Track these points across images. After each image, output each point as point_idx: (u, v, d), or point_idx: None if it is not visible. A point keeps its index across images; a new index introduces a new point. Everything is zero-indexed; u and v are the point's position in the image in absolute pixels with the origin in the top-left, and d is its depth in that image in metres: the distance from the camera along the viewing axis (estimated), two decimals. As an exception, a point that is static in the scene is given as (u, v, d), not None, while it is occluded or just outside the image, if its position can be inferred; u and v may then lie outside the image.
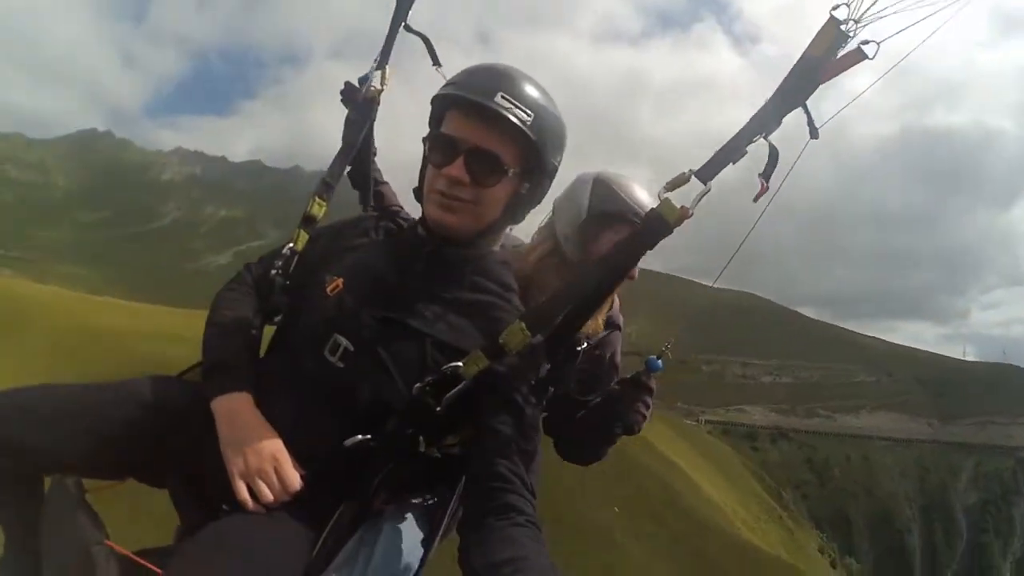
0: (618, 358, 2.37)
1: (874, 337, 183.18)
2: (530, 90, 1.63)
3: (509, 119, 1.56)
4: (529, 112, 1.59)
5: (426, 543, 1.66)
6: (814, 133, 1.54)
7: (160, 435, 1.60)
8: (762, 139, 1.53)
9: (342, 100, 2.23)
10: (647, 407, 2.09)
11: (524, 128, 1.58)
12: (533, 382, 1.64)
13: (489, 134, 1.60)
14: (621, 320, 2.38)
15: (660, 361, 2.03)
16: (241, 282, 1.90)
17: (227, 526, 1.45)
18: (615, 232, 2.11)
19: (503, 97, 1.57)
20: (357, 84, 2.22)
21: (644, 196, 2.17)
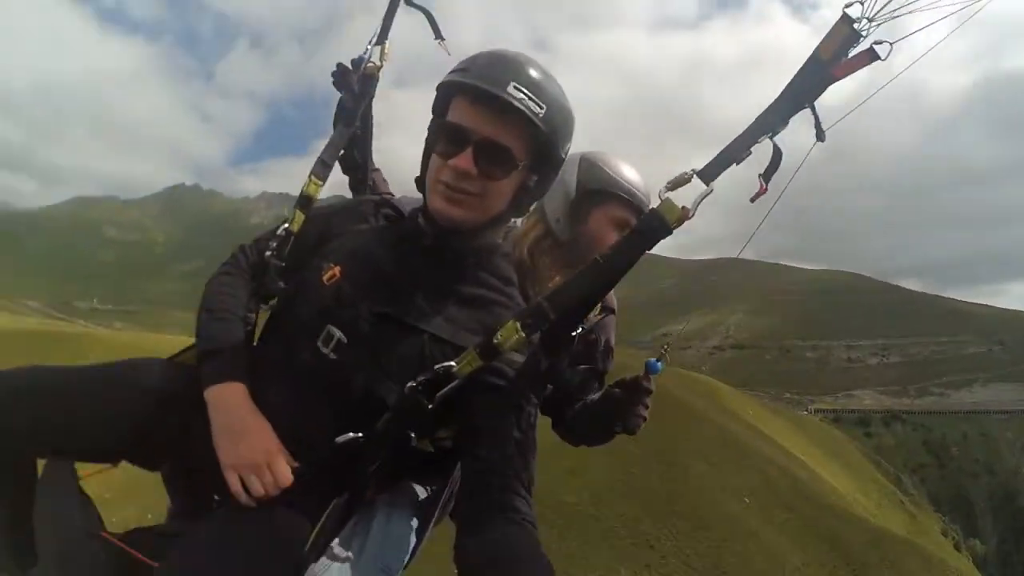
0: (612, 342, 2.32)
1: (981, 304, 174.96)
2: (543, 81, 1.57)
3: (522, 111, 1.51)
4: (541, 104, 1.54)
5: (418, 532, 1.68)
6: (821, 136, 1.50)
7: (154, 418, 1.58)
8: (767, 139, 1.49)
9: (334, 83, 2.17)
10: (646, 408, 2.02)
11: (537, 121, 1.53)
12: (530, 380, 1.63)
13: (499, 126, 1.54)
14: (615, 303, 2.31)
15: (659, 363, 1.94)
16: (235, 265, 1.84)
17: (219, 521, 1.46)
18: (605, 209, 2.12)
19: (516, 87, 1.51)
20: (350, 66, 2.15)
21: (631, 173, 2.16)
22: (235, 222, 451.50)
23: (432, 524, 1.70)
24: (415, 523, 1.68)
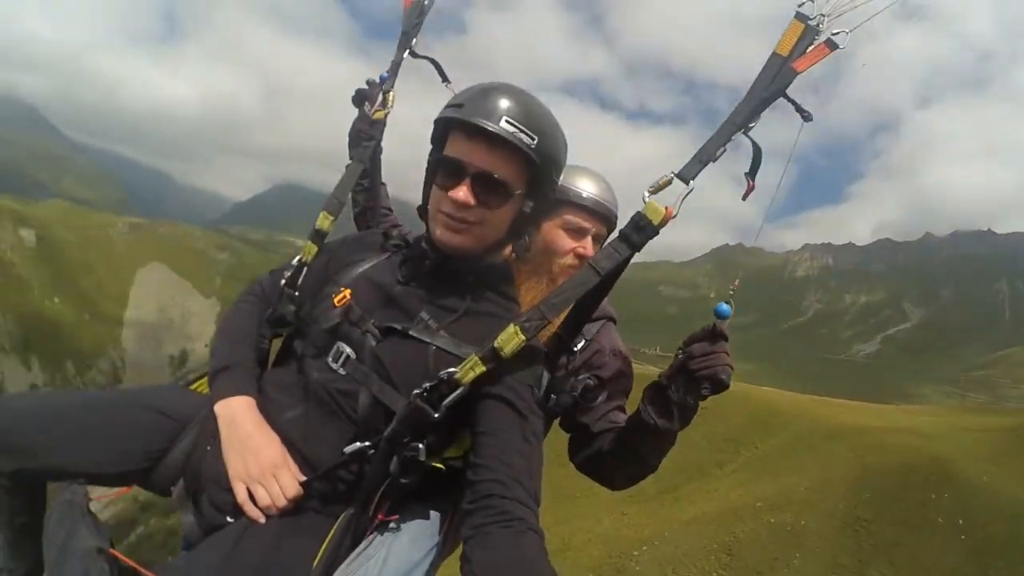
0: (619, 345, 2.24)
1: None
2: (534, 112, 1.64)
3: (514, 144, 1.59)
4: (533, 135, 1.61)
5: (432, 557, 1.66)
6: (807, 117, 1.55)
7: (166, 443, 1.67)
8: (743, 136, 1.57)
9: (352, 101, 2.36)
10: (728, 355, 1.77)
11: (529, 152, 1.61)
12: (533, 388, 1.63)
13: (494, 157, 1.61)
14: (614, 312, 2.29)
15: (728, 306, 1.75)
16: (251, 293, 1.96)
17: (227, 539, 1.50)
18: (555, 215, 2.13)
19: (507, 121, 1.58)
20: (368, 86, 2.34)
21: (583, 181, 2.16)
22: (780, 275, 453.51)
23: (446, 548, 1.71)
24: (428, 547, 1.67)
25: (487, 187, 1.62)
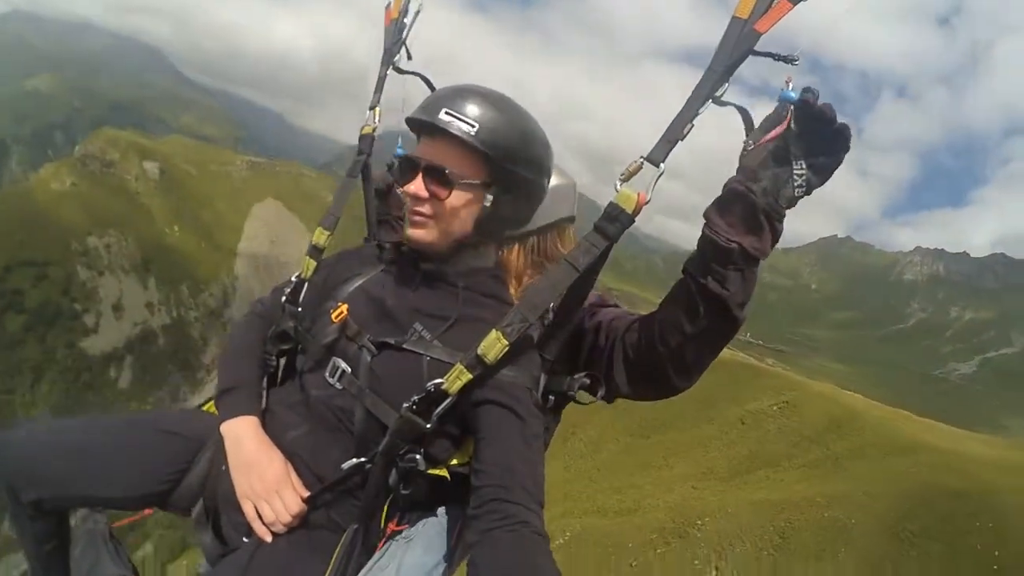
0: (598, 292, 1.94)
1: None
2: (477, 103, 1.60)
3: (450, 132, 1.57)
4: (472, 123, 1.57)
5: (446, 564, 1.66)
6: (791, 59, 1.39)
7: (184, 464, 1.73)
8: (714, 104, 1.45)
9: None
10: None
11: (467, 139, 1.57)
12: (531, 390, 1.60)
13: (437, 149, 1.62)
14: None
15: (792, 92, 1.43)
16: (253, 313, 1.97)
17: (239, 561, 1.56)
18: None
19: (446, 112, 1.58)
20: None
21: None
22: (889, 276, 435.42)
23: (458, 557, 1.70)
24: (442, 555, 1.67)
25: (434, 179, 1.63)
